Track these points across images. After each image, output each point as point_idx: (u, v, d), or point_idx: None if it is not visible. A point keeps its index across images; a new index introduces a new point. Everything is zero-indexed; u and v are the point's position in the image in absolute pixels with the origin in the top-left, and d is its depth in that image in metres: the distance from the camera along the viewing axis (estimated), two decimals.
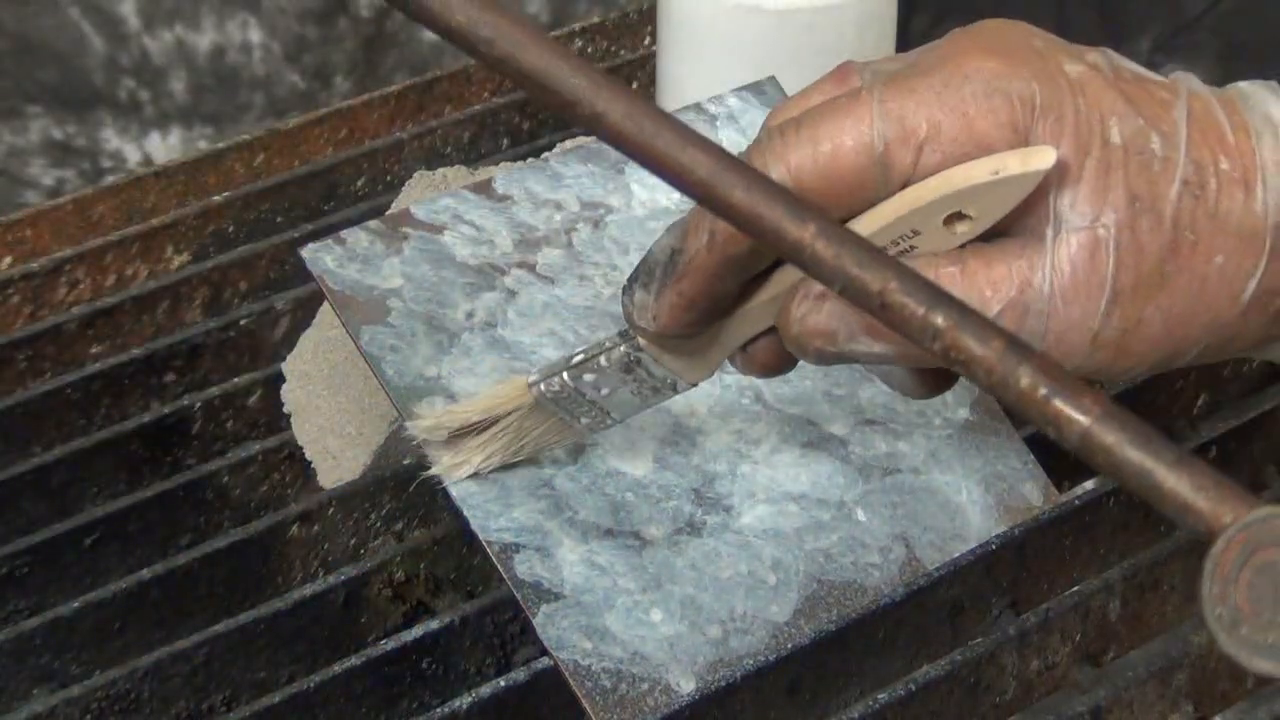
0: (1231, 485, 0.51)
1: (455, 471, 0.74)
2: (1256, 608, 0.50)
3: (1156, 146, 0.61)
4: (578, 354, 0.71)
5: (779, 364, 0.68)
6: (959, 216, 0.62)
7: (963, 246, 0.63)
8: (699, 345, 0.68)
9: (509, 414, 0.73)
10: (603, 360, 0.70)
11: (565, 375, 0.71)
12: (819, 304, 0.63)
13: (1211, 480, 0.51)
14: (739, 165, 0.57)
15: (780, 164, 0.62)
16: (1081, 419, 0.52)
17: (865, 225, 0.62)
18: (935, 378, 0.68)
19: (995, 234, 0.63)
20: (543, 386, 0.72)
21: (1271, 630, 0.50)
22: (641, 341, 0.69)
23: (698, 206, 0.63)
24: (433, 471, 0.75)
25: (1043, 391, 0.53)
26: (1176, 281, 0.61)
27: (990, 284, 0.62)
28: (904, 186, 0.62)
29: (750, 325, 0.67)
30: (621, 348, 0.70)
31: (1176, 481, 0.51)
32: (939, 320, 0.54)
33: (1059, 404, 0.52)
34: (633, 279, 0.67)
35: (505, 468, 0.76)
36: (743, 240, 0.63)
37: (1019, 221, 0.62)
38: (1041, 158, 0.60)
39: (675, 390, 0.71)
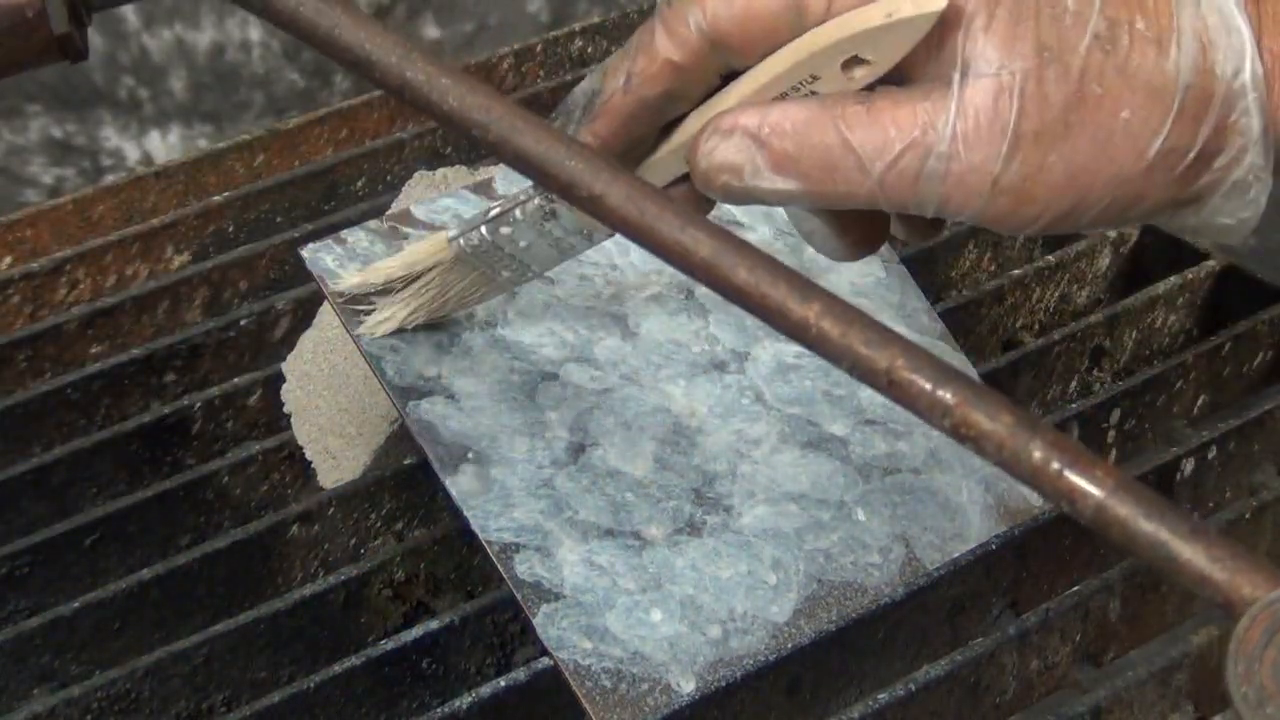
0: (1248, 555, 0.51)
1: (381, 327, 0.76)
2: None
3: (1070, 2, 0.62)
4: (494, 207, 0.72)
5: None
6: (857, 61, 0.63)
7: (872, 88, 0.64)
8: None
9: (431, 270, 0.75)
10: (518, 213, 0.71)
11: (484, 229, 0.72)
12: (726, 138, 0.64)
13: (1227, 551, 0.51)
14: (741, 245, 0.57)
15: (697, 9, 0.64)
16: (1095, 492, 0.52)
17: (765, 70, 0.63)
18: (860, 233, 0.68)
19: (906, 81, 0.64)
20: (462, 241, 0.73)
21: None
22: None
23: (620, 50, 0.64)
24: (359, 331, 0.76)
25: (1055, 466, 0.53)
26: (1081, 132, 0.62)
27: (895, 123, 0.63)
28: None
29: (663, 172, 0.68)
30: (537, 200, 0.70)
31: (1193, 553, 0.51)
32: (948, 397, 0.54)
33: (1072, 478, 0.53)
34: (550, 120, 0.68)
35: (506, 466, 0.76)
36: (658, 84, 0.64)
37: (928, 67, 0.63)
38: (935, 1, 0.61)
39: (590, 241, 0.71)
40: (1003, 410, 0.54)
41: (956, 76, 0.62)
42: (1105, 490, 0.52)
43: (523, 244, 0.72)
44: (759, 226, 0.85)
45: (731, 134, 0.64)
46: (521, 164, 0.59)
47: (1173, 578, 0.51)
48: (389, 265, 0.77)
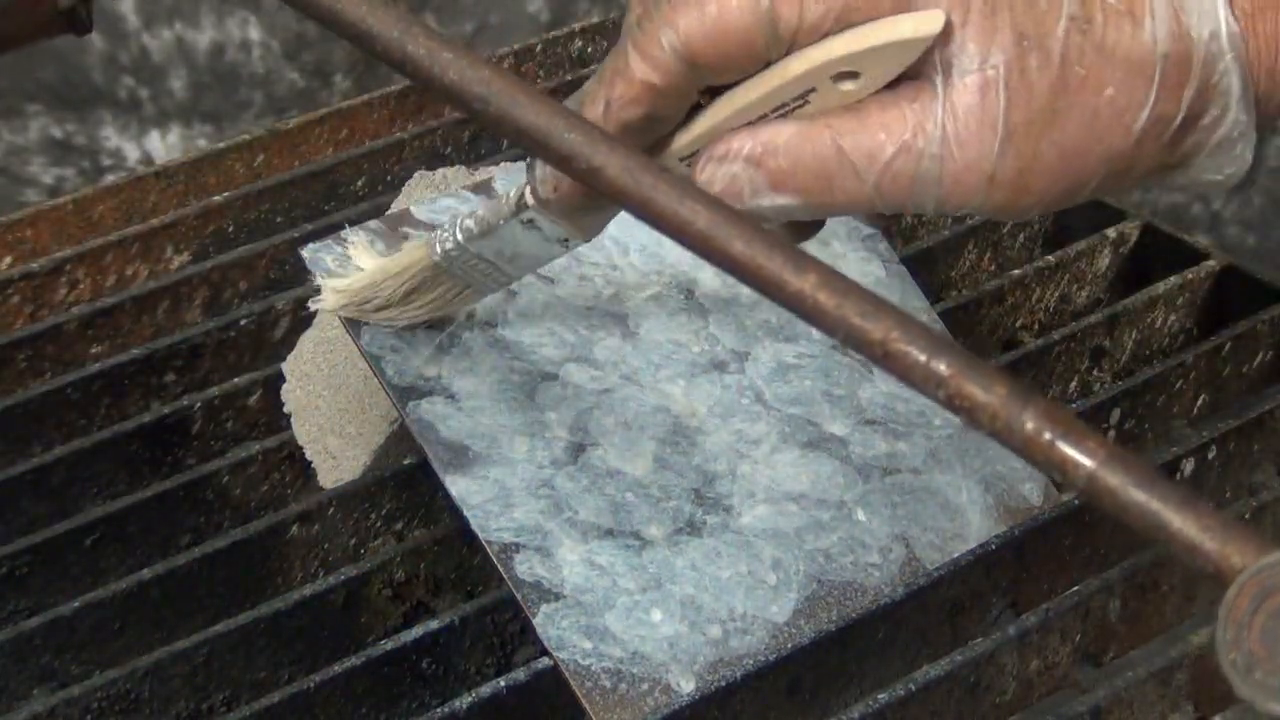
0: (1238, 525, 0.51)
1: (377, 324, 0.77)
2: (1271, 651, 0.50)
3: None
4: (472, 220, 0.72)
5: None
6: (849, 75, 0.63)
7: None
8: (596, 205, 0.69)
9: (411, 276, 0.75)
10: (502, 226, 0.71)
11: (467, 245, 0.73)
12: (723, 163, 0.65)
13: (1218, 521, 0.51)
14: (737, 217, 0.58)
15: (670, 29, 0.63)
16: (1087, 462, 0.52)
17: (759, 86, 0.63)
18: (806, 228, 0.69)
19: (892, 82, 0.64)
20: (439, 251, 0.74)
21: None
22: (538, 209, 0.70)
23: (595, 76, 0.64)
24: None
25: (1047, 436, 0.53)
26: (1068, 117, 0.63)
27: (884, 128, 0.63)
28: (791, 43, 0.63)
29: None
30: (520, 215, 0.70)
31: (1183, 523, 0.51)
32: (942, 368, 0.55)
33: (1064, 448, 0.53)
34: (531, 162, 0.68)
35: (506, 466, 0.76)
36: (638, 107, 0.64)
37: (911, 67, 0.63)
38: (931, 23, 0.62)
39: (567, 247, 0.72)
40: (996, 381, 0.54)
41: (940, 77, 0.62)
42: (1097, 461, 0.52)
43: (506, 254, 0.72)
44: None
45: (726, 159, 0.64)
46: (521, 137, 0.59)
47: (1164, 547, 0.52)
48: (367, 275, 0.77)
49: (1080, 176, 0.63)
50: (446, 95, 0.59)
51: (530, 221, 0.70)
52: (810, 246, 0.85)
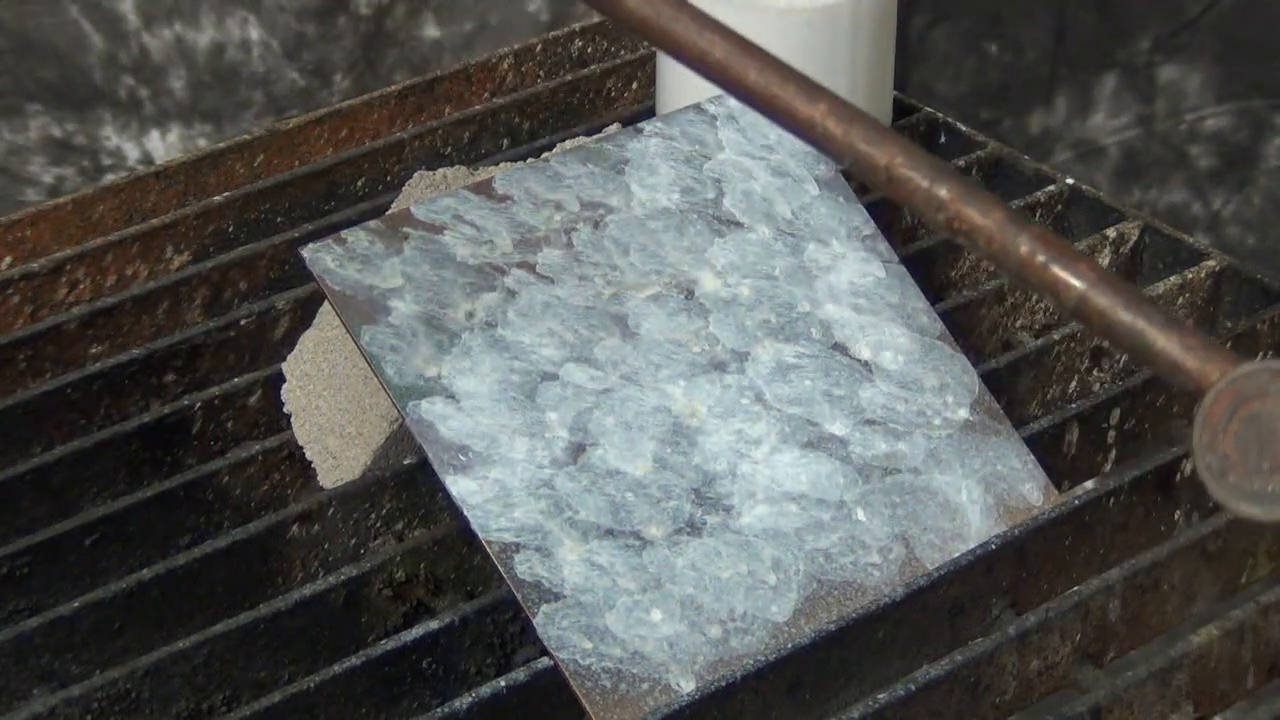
0: (1218, 345, 0.53)
1: None
2: (1243, 455, 0.52)
3: None
4: None
5: None
6: None
7: None
8: None
9: None
10: None
11: None
12: None
13: (1199, 341, 0.53)
14: (754, 49, 0.59)
15: None
16: (1078, 284, 0.54)
17: None
18: None
19: None
20: None
21: (1257, 477, 0.52)
22: None
23: None
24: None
25: (1041, 258, 0.55)
26: None
27: None
28: None
29: None
30: None
31: (1167, 341, 0.54)
32: (943, 193, 0.56)
33: (1057, 270, 0.55)
34: None
35: (506, 466, 0.76)
36: None
37: None
38: None
39: None
40: (994, 207, 0.56)
41: None
42: (1088, 283, 0.54)
43: None
44: (759, 227, 0.85)
45: None
46: None
47: (1148, 365, 0.54)
48: None
49: None
50: None
51: None
52: (811, 244, 0.85)
